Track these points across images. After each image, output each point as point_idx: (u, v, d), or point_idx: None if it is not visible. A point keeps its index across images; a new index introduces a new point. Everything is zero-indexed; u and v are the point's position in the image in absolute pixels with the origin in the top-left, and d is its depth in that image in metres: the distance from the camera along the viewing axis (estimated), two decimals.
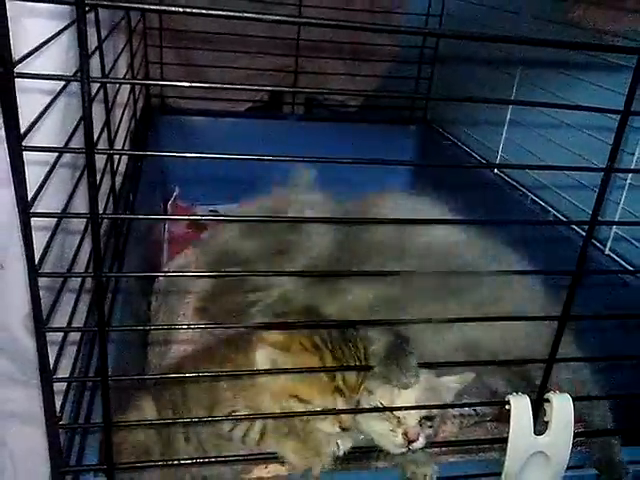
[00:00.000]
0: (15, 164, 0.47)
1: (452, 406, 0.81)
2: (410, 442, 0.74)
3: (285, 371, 0.71)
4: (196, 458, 0.64)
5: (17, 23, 0.61)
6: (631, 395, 0.96)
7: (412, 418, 0.75)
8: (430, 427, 0.77)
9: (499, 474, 0.68)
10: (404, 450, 0.75)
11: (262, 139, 1.88)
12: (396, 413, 0.75)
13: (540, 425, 0.68)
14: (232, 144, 1.81)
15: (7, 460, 0.74)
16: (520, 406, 0.67)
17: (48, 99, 0.64)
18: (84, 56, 0.44)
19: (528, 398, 0.67)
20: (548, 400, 0.68)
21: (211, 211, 1.94)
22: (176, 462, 0.66)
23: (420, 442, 0.74)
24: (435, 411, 0.78)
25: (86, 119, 0.45)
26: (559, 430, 0.67)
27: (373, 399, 0.78)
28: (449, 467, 0.78)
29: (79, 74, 0.45)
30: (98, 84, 0.87)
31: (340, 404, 0.74)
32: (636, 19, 1.21)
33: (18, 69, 0.47)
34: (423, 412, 0.76)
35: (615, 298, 1.11)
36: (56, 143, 0.70)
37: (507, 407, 0.68)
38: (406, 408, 0.75)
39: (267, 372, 0.72)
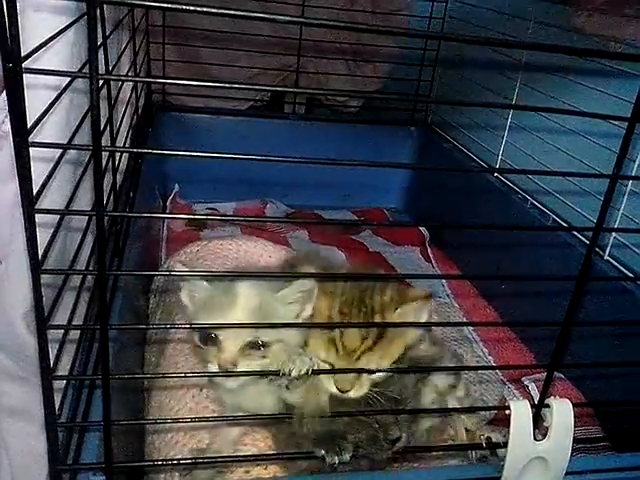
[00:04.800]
0: (21, 160, 0.46)
1: (450, 410, 0.81)
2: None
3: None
4: (198, 458, 0.64)
5: (22, 17, 0.60)
6: (622, 402, 0.97)
7: (231, 344, 0.73)
8: (262, 356, 0.75)
9: (498, 479, 0.68)
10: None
11: (263, 138, 1.89)
12: (219, 337, 0.73)
13: (540, 430, 0.68)
14: (233, 142, 1.81)
15: (4, 457, 0.74)
16: (520, 411, 0.67)
17: (52, 95, 0.64)
18: (93, 52, 0.44)
19: (528, 403, 0.67)
20: (548, 405, 0.68)
21: (209, 209, 1.94)
22: (175, 462, 0.65)
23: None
24: (267, 337, 0.74)
25: (94, 116, 0.45)
26: (559, 435, 0.67)
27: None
28: (447, 471, 0.77)
29: (87, 70, 0.45)
30: (102, 80, 0.86)
31: (334, 360, 0.75)
32: (639, 26, 1.21)
33: (25, 65, 0.46)
34: (248, 337, 0.73)
35: (614, 304, 1.12)
36: (60, 140, 0.70)
37: (507, 412, 0.67)
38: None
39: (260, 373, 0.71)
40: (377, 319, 0.79)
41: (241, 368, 0.72)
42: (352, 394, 0.76)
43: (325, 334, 0.77)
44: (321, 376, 0.77)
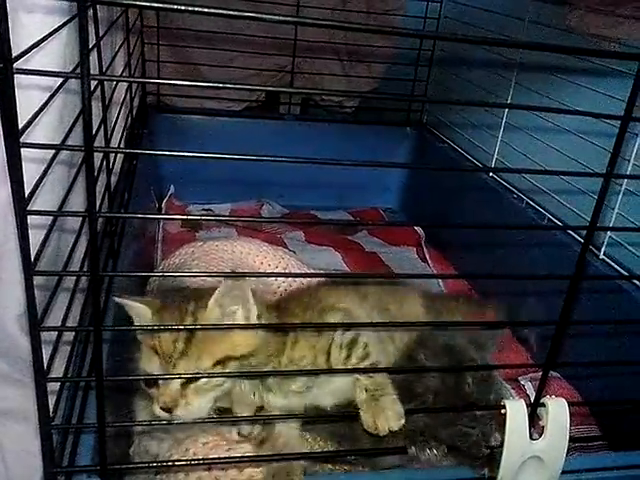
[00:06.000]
0: (12, 161, 0.46)
1: (446, 410, 0.80)
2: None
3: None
4: (190, 460, 0.63)
5: (14, 18, 0.60)
6: (617, 401, 0.97)
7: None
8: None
9: (494, 478, 0.68)
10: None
11: (258, 139, 1.88)
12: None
13: (536, 429, 0.68)
14: (228, 143, 1.80)
15: None
16: (516, 410, 0.67)
17: (45, 96, 0.63)
18: (85, 53, 0.43)
19: (524, 402, 0.67)
20: (544, 404, 0.68)
21: (204, 210, 1.93)
22: (170, 464, 0.65)
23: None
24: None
25: (86, 117, 0.45)
26: (555, 434, 0.67)
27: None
28: (442, 471, 0.77)
29: (79, 71, 0.45)
30: (96, 81, 0.86)
31: (156, 368, 0.69)
32: (632, 26, 1.22)
33: (17, 65, 0.46)
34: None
35: (610, 303, 1.12)
36: (53, 140, 0.70)
37: (503, 411, 0.67)
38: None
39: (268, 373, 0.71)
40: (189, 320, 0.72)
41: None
42: (179, 412, 0.68)
43: (149, 341, 0.71)
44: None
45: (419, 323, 0.89)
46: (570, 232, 1.29)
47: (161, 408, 0.67)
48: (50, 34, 0.63)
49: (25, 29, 0.63)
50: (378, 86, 2.12)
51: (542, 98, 1.42)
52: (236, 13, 0.47)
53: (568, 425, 0.67)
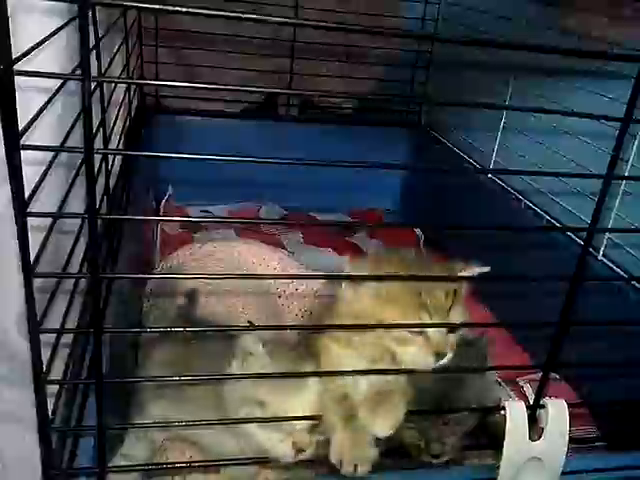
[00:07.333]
0: (12, 163, 0.46)
1: (447, 412, 0.80)
2: (299, 451, 0.71)
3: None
4: (192, 462, 0.63)
5: (13, 19, 0.60)
6: (617, 402, 0.97)
7: (302, 426, 0.72)
8: (320, 433, 0.73)
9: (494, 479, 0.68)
10: (292, 460, 0.72)
11: (256, 140, 1.88)
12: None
13: (535, 431, 0.68)
14: (226, 144, 1.79)
15: None
16: (515, 411, 0.67)
17: (44, 97, 0.63)
18: (85, 54, 0.43)
19: (524, 404, 0.67)
20: (544, 406, 0.68)
21: (203, 211, 1.93)
22: (170, 466, 0.65)
23: (309, 452, 0.72)
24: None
25: (86, 118, 0.45)
26: (554, 436, 0.67)
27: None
28: (442, 473, 0.77)
29: (79, 72, 0.45)
30: (95, 82, 0.86)
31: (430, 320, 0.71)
32: (630, 27, 1.22)
33: (16, 67, 0.46)
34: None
35: (608, 305, 1.12)
36: (53, 143, 0.70)
37: (502, 412, 0.67)
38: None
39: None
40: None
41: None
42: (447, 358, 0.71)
43: (412, 300, 0.72)
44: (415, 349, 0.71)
45: (414, 324, 0.88)
46: (568, 233, 1.29)
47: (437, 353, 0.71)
48: (50, 36, 0.63)
49: (25, 31, 0.63)
50: (377, 88, 2.12)
51: (540, 100, 1.43)
52: (235, 14, 0.47)
53: (568, 426, 0.67)
